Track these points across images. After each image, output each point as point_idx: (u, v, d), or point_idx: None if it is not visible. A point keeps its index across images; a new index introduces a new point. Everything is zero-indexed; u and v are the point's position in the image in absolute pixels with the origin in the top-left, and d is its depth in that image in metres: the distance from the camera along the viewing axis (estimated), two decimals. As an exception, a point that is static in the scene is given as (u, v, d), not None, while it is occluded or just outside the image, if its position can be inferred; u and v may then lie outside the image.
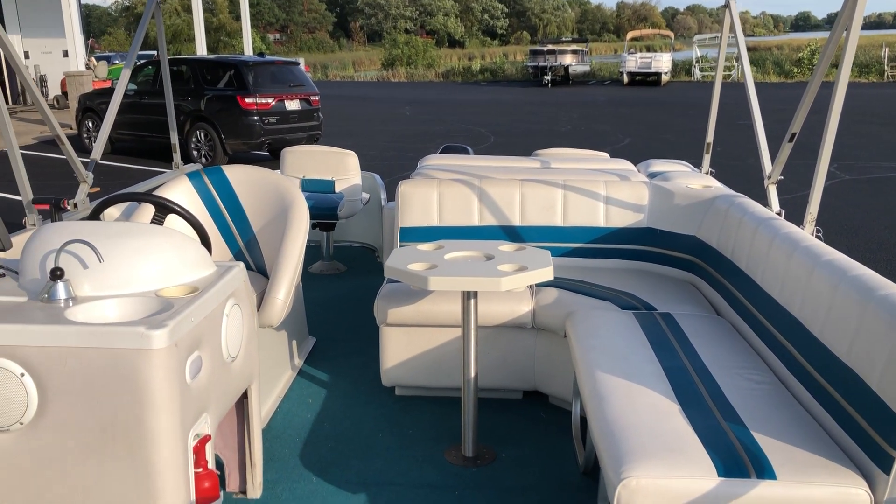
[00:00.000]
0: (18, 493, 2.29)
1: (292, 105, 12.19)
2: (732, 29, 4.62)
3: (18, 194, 4.25)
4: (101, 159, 4.43)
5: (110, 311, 2.42)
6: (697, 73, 35.05)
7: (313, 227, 6.00)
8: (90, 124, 13.62)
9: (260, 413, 3.06)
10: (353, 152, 6.02)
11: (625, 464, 2.24)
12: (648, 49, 43.96)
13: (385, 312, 3.70)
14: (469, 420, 3.32)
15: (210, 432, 2.49)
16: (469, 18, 76.57)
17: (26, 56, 21.16)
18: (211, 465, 2.51)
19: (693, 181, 4.40)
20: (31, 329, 2.19)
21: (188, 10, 34.94)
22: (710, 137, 5.25)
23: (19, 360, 2.19)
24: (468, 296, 3.21)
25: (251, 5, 19.96)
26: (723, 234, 3.80)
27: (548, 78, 33.62)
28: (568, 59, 33.96)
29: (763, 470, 2.20)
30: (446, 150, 6.13)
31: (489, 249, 3.44)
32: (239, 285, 2.74)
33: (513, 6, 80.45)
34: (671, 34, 41.94)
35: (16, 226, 3.74)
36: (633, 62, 32.73)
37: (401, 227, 4.30)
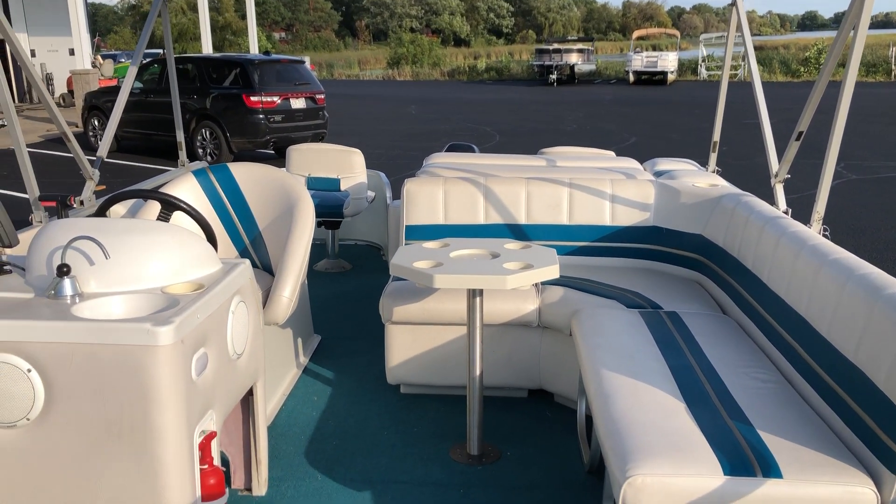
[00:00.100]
0: (25, 489, 2.30)
1: (298, 103, 12.20)
2: (739, 28, 4.60)
3: (25, 192, 4.26)
4: (107, 157, 4.45)
5: (116, 307, 2.42)
6: (703, 73, 34.98)
7: (319, 225, 6.00)
8: (96, 122, 13.65)
9: (265, 410, 3.06)
10: (358, 150, 6.02)
11: (630, 462, 2.23)
12: (654, 48, 43.83)
13: (390, 310, 3.70)
14: (474, 418, 3.32)
15: (216, 429, 2.49)
16: (475, 17, 76.53)
17: (32, 54, 21.22)
18: (216, 461, 2.51)
19: (699, 180, 4.39)
20: (38, 325, 2.19)
21: (194, 8, 34.99)
22: (716, 136, 5.24)
23: (26, 356, 2.20)
24: (473, 294, 3.21)
25: (257, 4, 19.99)
26: (729, 232, 3.79)
27: (553, 77, 33.58)
28: (573, 58, 33.91)
29: (769, 469, 2.20)
30: (452, 149, 6.13)
31: (495, 247, 3.44)
32: (244, 282, 2.74)
33: (518, 5, 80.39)
34: (677, 33, 41.83)
35: (22, 223, 3.75)
36: (639, 61, 32.66)
37: (406, 226, 4.29)
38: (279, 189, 3.90)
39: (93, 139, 13.71)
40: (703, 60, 35.49)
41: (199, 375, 2.36)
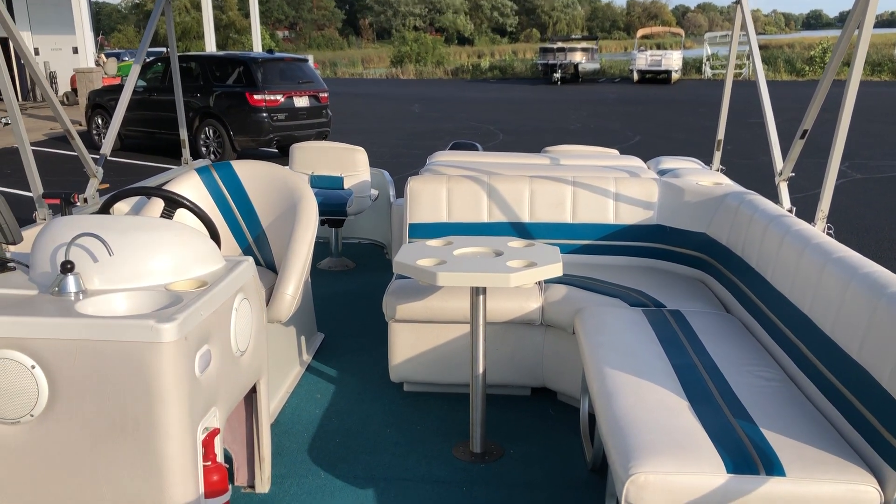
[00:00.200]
0: (28, 486, 2.30)
1: (301, 102, 12.20)
2: (744, 26, 4.59)
3: (29, 190, 4.27)
4: (111, 156, 4.45)
5: (120, 304, 2.42)
6: (708, 71, 34.92)
7: (322, 223, 6.00)
8: (100, 121, 13.67)
9: (269, 408, 3.06)
10: (362, 148, 6.02)
11: (633, 460, 2.23)
12: (659, 47, 43.78)
13: (394, 308, 3.70)
14: (477, 416, 3.32)
15: (219, 426, 2.50)
16: (478, 16, 76.49)
17: (36, 53, 21.25)
18: (220, 458, 2.51)
19: (703, 178, 4.38)
20: (42, 322, 2.20)
21: (198, 7, 35.03)
22: (720, 134, 5.23)
23: (30, 352, 2.20)
24: (477, 292, 3.20)
25: (260, 2, 20.01)
26: (733, 231, 3.78)
27: (557, 76, 33.54)
28: (578, 57, 33.86)
29: (772, 466, 2.19)
30: (455, 147, 6.12)
31: (498, 245, 3.44)
32: (248, 280, 2.74)
33: (522, 4, 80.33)
34: (682, 32, 41.79)
35: (26, 221, 3.76)
36: (644, 60, 32.62)
37: (409, 224, 4.29)
38: (282, 187, 3.90)
39: (96, 137, 13.73)
40: (708, 59, 35.43)
41: (202, 372, 2.36)
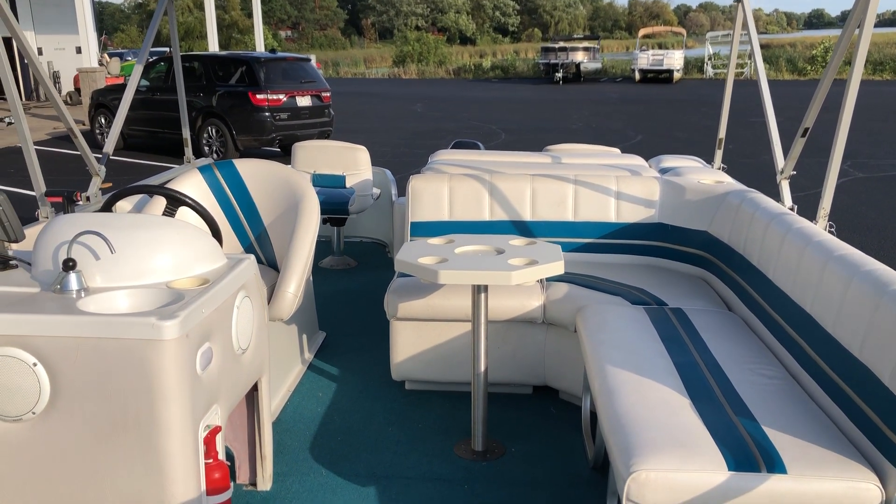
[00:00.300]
0: (30, 483, 2.31)
1: (303, 101, 12.21)
2: (745, 26, 4.59)
3: (31, 189, 4.27)
4: (113, 155, 4.46)
5: (122, 302, 2.43)
6: (710, 71, 34.89)
7: (324, 222, 6.01)
8: (103, 120, 13.69)
9: (270, 406, 3.06)
10: (363, 147, 6.02)
11: (634, 457, 2.23)
12: (660, 46, 43.76)
13: (395, 306, 3.71)
14: (479, 414, 3.32)
15: (220, 423, 2.50)
16: (480, 15, 76.47)
17: (39, 52, 21.28)
18: (221, 456, 2.52)
19: (705, 176, 4.38)
20: (44, 319, 2.20)
21: (200, 7, 35.04)
22: (722, 133, 5.23)
23: (32, 349, 2.21)
24: (478, 290, 3.21)
25: (263, 2, 20.01)
26: (735, 229, 3.78)
27: (559, 75, 33.52)
28: (579, 57, 33.84)
29: (773, 464, 2.19)
30: (457, 146, 6.13)
31: (500, 244, 3.44)
32: (249, 278, 2.75)
33: (524, 3, 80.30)
34: (683, 31, 41.74)
35: (29, 220, 3.76)
36: (645, 59, 32.59)
37: (411, 222, 4.30)
38: (284, 185, 3.91)
39: (100, 137, 13.74)
40: (710, 58, 35.39)
41: (203, 370, 2.36)
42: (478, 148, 5.99)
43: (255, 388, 2.97)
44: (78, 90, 19.28)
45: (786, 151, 3.90)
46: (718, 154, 5.28)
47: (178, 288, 2.46)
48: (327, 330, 4.77)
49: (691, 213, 4.11)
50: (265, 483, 3.08)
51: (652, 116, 18.88)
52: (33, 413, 2.24)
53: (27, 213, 4.02)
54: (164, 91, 12.47)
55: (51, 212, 3.63)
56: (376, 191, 6.14)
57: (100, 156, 4.27)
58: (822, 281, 2.76)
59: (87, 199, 3.91)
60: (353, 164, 5.98)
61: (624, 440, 2.33)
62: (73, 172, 11.08)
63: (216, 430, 2.46)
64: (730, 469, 2.18)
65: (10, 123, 16.19)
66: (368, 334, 4.70)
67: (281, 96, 11.86)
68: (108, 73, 18.20)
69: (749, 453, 2.24)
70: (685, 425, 2.39)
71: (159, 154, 12.89)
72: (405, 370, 3.85)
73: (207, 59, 12.41)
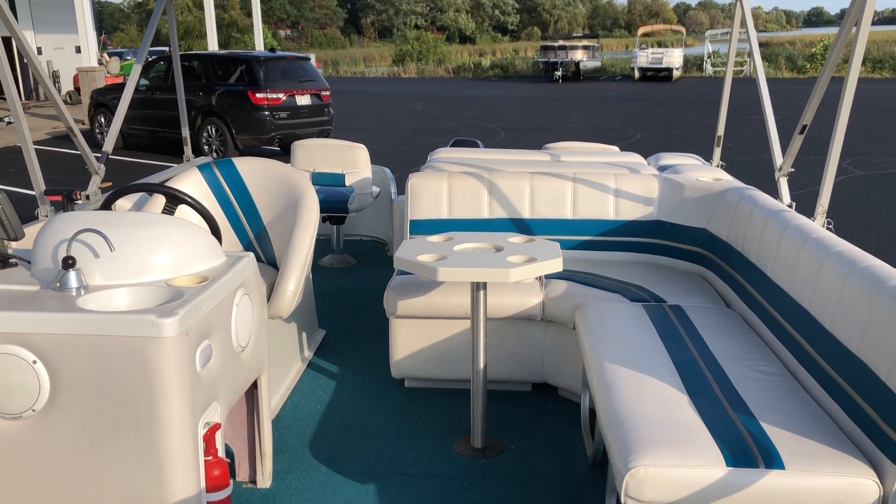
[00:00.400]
0: (30, 480, 2.31)
1: (303, 100, 12.21)
2: (744, 23, 4.60)
3: (31, 189, 4.28)
4: (113, 155, 4.47)
5: (121, 299, 2.44)
6: (709, 69, 34.88)
7: (323, 220, 6.01)
8: (103, 119, 13.69)
9: (270, 403, 3.07)
10: (363, 145, 6.03)
11: (633, 453, 2.24)
12: (660, 44, 43.77)
13: (395, 304, 3.71)
14: (478, 412, 3.33)
15: (220, 421, 2.51)
16: (480, 14, 76.45)
17: (39, 52, 21.27)
18: (221, 453, 2.52)
19: (703, 174, 4.39)
20: (43, 317, 2.21)
21: (200, 6, 35.05)
22: (720, 130, 5.23)
23: (31, 347, 2.22)
24: (477, 287, 3.21)
25: (262, 2, 20.01)
26: (733, 226, 3.78)
27: (558, 73, 33.51)
28: (579, 55, 33.82)
29: (772, 460, 2.20)
30: (457, 144, 6.13)
31: (498, 241, 3.45)
32: (248, 275, 2.75)
33: (524, 2, 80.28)
34: (683, 29, 41.74)
35: (29, 219, 3.77)
36: (645, 58, 32.58)
37: (410, 220, 4.30)
38: (283, 183, 3.91)
39: (99, 136, 13.74)
40: (709, 57, 35.39)
41: (203, 367, 2.37)
42: (477, 146, 6.00)
43: (254, 385, 2.98)
44: (77, 90, 19.28)
45: (784, 148, 3.91)
46: (717, 151, 5.28)
47: (177, 286, 2.46)
48: (327, 328, 4.78)
49: (690, 210, 4.12)
50: (265, 480, 3.09)
51: (651, 115, 18.88)
52: (33, 410, 2.25)
53: (27, 212, 4.02)
54: (163, 90, 12.47)
55: (50, 210, 3.64)
56: (376, 189, 6.14)
57: (99, 154, 4.27)
58: (820, 277, 2.77)
59: (87, 197, 3.91)
60: (353, 163, 5.99)
61: (622, 436, 2.34)
62: (73, 172, 11.08)
63: (216, 427, 2.47)
64: (728, 465, 2.19)
65: (9, 123, 16.19)
66: (368, 332, 4.70)
67: (280, 95, 11.86)
68: (108, 72, 18.21)
69: (747, 449, 2.24)
70: (683, 422, 2.39)
71: (159, 153, 12.89)
72: (405, 368, 3.86)
73: (207, 59, 12.41)
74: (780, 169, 3.88)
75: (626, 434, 2.34)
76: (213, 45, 17.68)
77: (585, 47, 34.37)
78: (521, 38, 74.84)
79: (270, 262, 3.96)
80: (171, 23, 5.06)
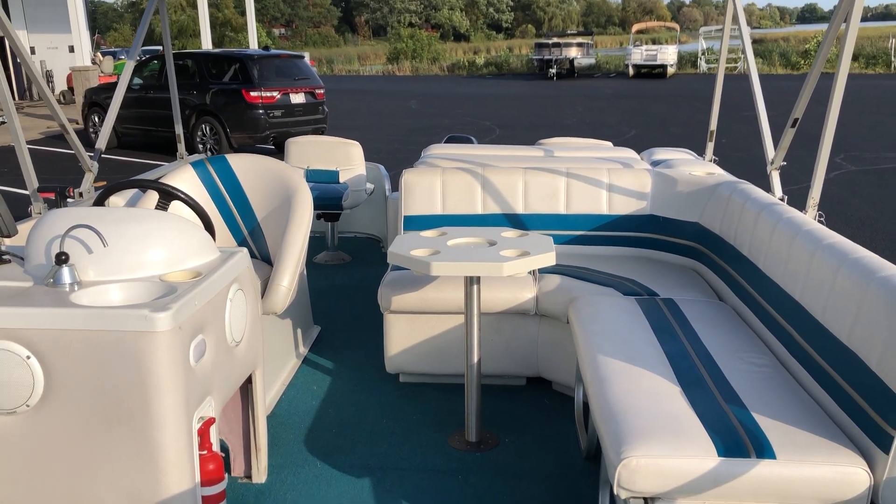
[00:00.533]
0: (24, 475, 2.32)
1: (297, 98, 12.20)
2: (736, 20, 4.61)
3: (24, 188, 4.27)
4: (108, 154, 4.48)
5: (115, 295, 2.44)
6: (703, 66, 34.93)
7: (318, 217, 6.02)
8: (96, 119, 13.67)
9: (265, 399, 3.08)
10: (356, 142, 6.03)
11: (625, 444, 2.25)
12: (654, 41, 43.80)
13: (389, 299, 3.72)
14: (472, 406, 3.34)
15: (214, 415, 2.51)
16: (474, 12, 76.42)
17: (32, 51, 21.22)
18: (215, 447, 2.53)
19: (696, 168, 4.40)
20: (37, 312, 2.21)
21: (193, 5, 34.96)
22: (713, 125, 5.25)
23: (25, 342, 2.22)
24: (471, 281, 3.22)
25: (256, 0, 19.98)
26: (725, 220, 3.80)
27: (553, 71, 33.53)
28: (573, 52, 33.84)
29: (763, 450, 2.21)
30: (450, 141, 6.14)
31: (492, 236, 3.46)
32: (242, 270, 2.76)
33: (518, 0, 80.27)
34: (677, 26, 41.73)
35: (22, 217, 3.76)
36: (639, 55, 32.61)
37: (404, 216, 4.31)
38: (277, 180, 3.92)
39: (93, 136, 13.72)
40: (703, 53, 35.43)
41: (197, 362, 2.38)
42: (471, 142, 6.00)
43: (249, 381, 2.99)
44: (71, 89, 19.24)
45: (776, 143, 3.92)
46: (710, 146, 5.30)
47: (170, 281, 2.47)
48: (322, 324, 4.79)
49: (682, 204, 4.13)
50: (260, 475, 3.10)
51: (646, 111, 18.91)
52: (27, 406, 2.25)
53: (21, 212, 4.01)
54: (157, 89, 12.46)
55: (43, 207, 3.64)
56: (370, 186, 6.15)
57: (92, 153, 4.27)
58: (812, 269, 2.79)
59: (80, 195, 3.91)
60: (347, 160, 5.99)
61: (615, 428, 2.35)
62: (68, 171, 11.06)
63: (210, 421, 2.47)
64: (719, 455, 2.20)
65: (2, 123, 16.15)
66: (363, 328, 4.71)
67: (275, 93, 11.86)
68: (102, 71, 18.18)
69: (739, 439, 2.26)
70: (675, 413, 2.41)
71: (153, 152, 12.87)
72: (399, 363, 3.87)
73: (201, 57, 12.40)
74: (772, 162, 3.90)
75: (619, 425, 2.35)
76: (206, 44, 17.66)
77: (580, 44, 34.38)
78: (516, 36, 74.84)
79: (265, 259, 3.97)
80: (164, 19, 5.06)
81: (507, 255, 3.13)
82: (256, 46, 17.30)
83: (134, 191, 4.19)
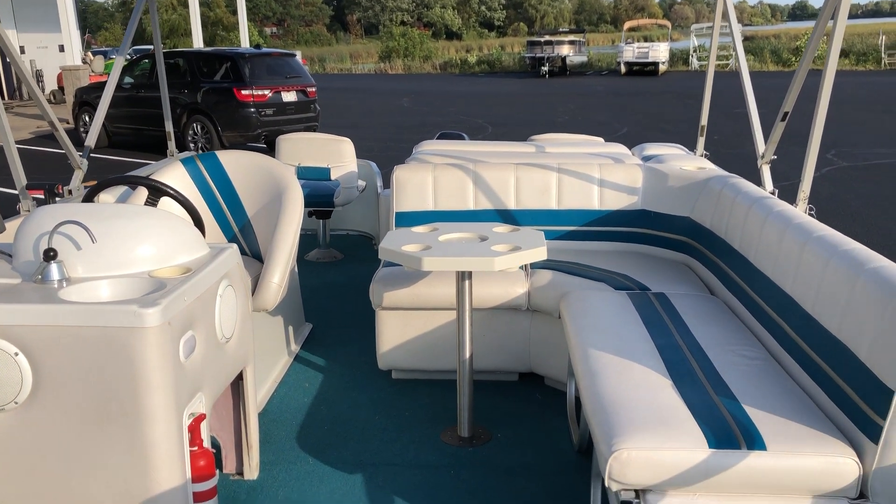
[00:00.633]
0: (14, 472, 2.30)
1: (289, 96, 12.18)
2: (726, 16, 4.62)
3: (12, 187, 4.25)
4: (99, 153, 4.46)
5: (103, 291, 2.43)
6: (695, 63, 34.99)
7: (309, 215, 6.00)
8: (87, 118, 13.61)
9: (256, 395, 3.07)
10: (348, 139, 6.01)
11: (616, 436, 2.25)
12: (646, 39, 43.86)
13: (381, 296, 3.71)
14: (464, 401, 3.34)
15: (205, 412, 2.51)
16: (466, 10, 76.39)
17: (22, 51, 21.12)
18: (206, 443, 2.52)
19: (687, 163, 4.41)
20: (25, 308, 2.20)
21: (185, 4, 34.86)
22: (703, 120, 5.26)
23: (13, 339, 2.21)
24: (462, 276, 3.22)
25: (247, -2, 19.91)
26: (716, 214, 3.81)
27: (545, 69, 33.55)
28: (565, 50, 33.87)
29: (753, 441, 2.22)
30: (442, 137, 6.13)
31: (483, 231, 3.45)
32: (232, 266, 2.75)
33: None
34: (668, 24, 41.84)
35: (11, 215, 3.74)
36: (631, 52, 32.66)
37: (396, 212, 4.30)
38: (267, 176, 3.91)
39: (84, 135, 13.65)
40: (695, 51, 35.51)
41: (187, 358, 2.37)
42: (463, 139, 6.00)
43: (240, 377, 2.98)
44: (61, 89, 19.16)
45: (767, 137, 3.93)
46: (701, 141, 5.31)
47: (160, 277, 2.46)
48: (314, 322, 4.78)
49: (674, 199, 4.14)
50: (252, 472, 3.09)
51: (638, 109, 18.94)
52: (16, 403, 2.24)
53: (10, 211, 3.99)
54: (148, 88, 12.41)
55: (32, 205, 3.62)
56: (361, 183, 6.14)
57: (82, 151, 4.25)
58: (802, 262, 2.79)
59: (70, 192, 3.89)
60: (338, 157, 5.97)
61: (606, 420, 2.35)
62: (59, 171, 11.01)
63: (201, 417, 2.46)
64: (710, 447, 2.21)
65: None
66: (355, 326, 4.70)
67: (266, 92, 11.83)
68: (92, 70, 18.10)
69: (729, 431, 2.26)
70: (666, 405, 2.41)
71: (144, 151, 12.83)
72: (391, 359, 3.86)
73: (192, 56, 12.36)
74: (763, 156, 3.91)
75: (610, 418, 2.35)
76: (198, 43, 17.58)
77: (572, 42, 34.42)
78: (508, 34, 74.84)
79: (255, 256, 3.95)
80: (154, 17, 5.04)
81: (498, 250, 3.13)
82: (248, 45, 17.25)
83: (123, 188, 4.18)
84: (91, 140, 4.32)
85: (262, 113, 11.79)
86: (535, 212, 4.26)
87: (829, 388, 2.45)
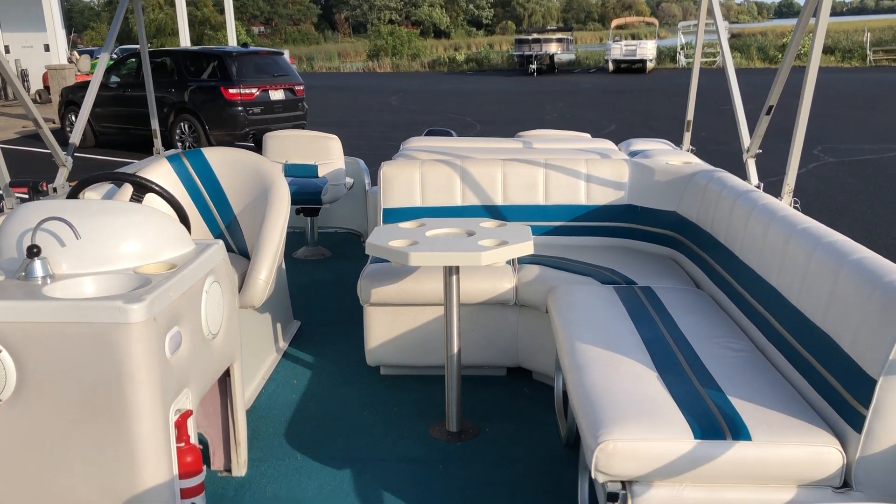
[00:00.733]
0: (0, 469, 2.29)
1: (276, 95, 12.15)
2: (711, 13, 4.64)
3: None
4: (86, 153, 4.43)
5: (88, 287, 2.42)
6: (682, 60, 35.11)
7: (297, 212, 5.99)
8: (73, 117, 13.53)
9: (244, 392, 3.06)
10: (335, 136, 6.00)
11: (602, 428, 2.26)
12: (633, 37, 43.94)
13: (369, 292, 3.71)
14: (453, 396, 3.34)
15: (192, 408, 2.50)
16: (454, 9, 76.37)
17: (7, 51, 20.97)
18: (193, 439, 2.52)
19: (673, 158, 4.43)
20: (8, 305, 2.19)
21: (172, 3, 34.68)
22: (689, 115, 5.28)
23: None
24: (450, 271, 3.22)
25: (234, -3, 19.83)
26: (702, 208, 3.82)
27: (533, 67, 33.57)
28: (553, 48, 33.91)
29: (738, 432, 2.23)
30: (430, 134, 6.13)
31: (470, 226, 3.46)
32: (218, 262, 2.74)
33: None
34: (656, 21, 41.97)
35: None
36: (618, 50, 32.74)
37: (384, 209, 4.30)
38: (254, 173, 3.90)
39: (70, 134, 13.59)
40: (682, 48, 35.63)
41: (172, 354, 2.36)
42: (450, 136, 6.00)
43: (227, 374, 2.97)
44: (47, 88, 19.03)
45: (752, 132, 3.95)
46: (687, 136, 5.33)
47: (145, 273, 2.45)
48: (302, 319, 4.77)
49: (660, 194, 4.15)
50: (240, 469, 3.08)
51: (625, 106, 18.99)
52: (0, 400, 2.23)
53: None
54: (134, 87, 12.35)
55: (16, 202, 3.60)
56: (349, 180, 6.13)
57: (67, 149, 4.22)
58: (786, 254, 2.81)
59: (54, 190, 3.87)
60: (326, 154, 5.96)
61: (592, 413, 2.36)
62: (44, 171, 10.94)
63: (187, 413, 2.46)
64: (696, 437, 2.22)
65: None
66: (343, 323, 4.70)
67: (253, 90, 11.79)
68: (78, 70, 18.00)
69: (714, 422, 2.28)
70: (652, 396, 2.42)
71: (131, 150, 12.77)
72: (379, 355, 3.86)
73: (179, 55, 12.31)
74: (748, 150, 3.93)
75: (596, 410, 2.36)
76: (185, 42, 17.52)
77: (560, 40, 34.46)
78: (496, 32, 74.87)
79: (242, 253, 3.94)
80: (139, 14, 5.01)
81: (485, 245, 3.14)
82: (236, 44, 17.19)
83: (109, 185, 4.16)
84: (76, 137, 4.29)
85: (250, 111, 11.76)
86: (522, 207, 4.27)
87: (813, 379, 2.46)
